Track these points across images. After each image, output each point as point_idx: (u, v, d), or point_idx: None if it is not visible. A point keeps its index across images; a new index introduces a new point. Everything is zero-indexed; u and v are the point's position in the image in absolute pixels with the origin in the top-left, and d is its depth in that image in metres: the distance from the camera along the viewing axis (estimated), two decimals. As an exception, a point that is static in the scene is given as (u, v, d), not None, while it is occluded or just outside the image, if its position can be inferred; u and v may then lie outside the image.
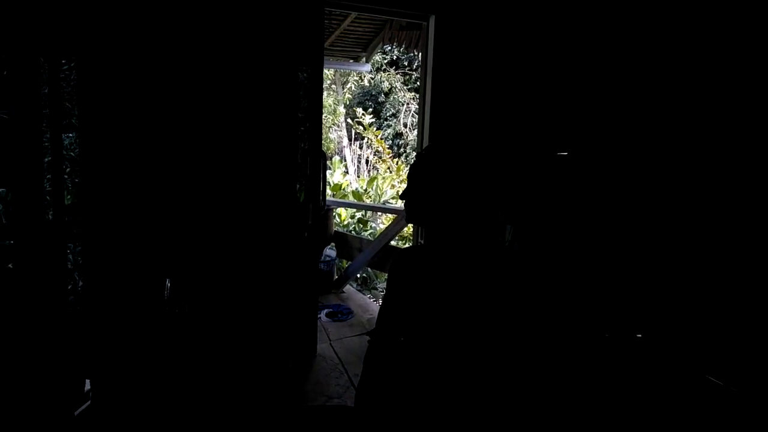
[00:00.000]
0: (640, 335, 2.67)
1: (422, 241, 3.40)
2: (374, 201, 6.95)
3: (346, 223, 6.16)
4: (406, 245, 5.88)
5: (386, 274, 5.36)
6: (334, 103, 10.78)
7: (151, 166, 2.36)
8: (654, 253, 2.72)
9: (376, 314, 3.99)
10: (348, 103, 11.28)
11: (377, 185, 7.08)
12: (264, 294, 2.75)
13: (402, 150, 11.32)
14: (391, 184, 7.34)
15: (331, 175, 7.16)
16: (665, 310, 2.64)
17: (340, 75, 11.11)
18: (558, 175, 3.01)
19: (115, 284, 2.36)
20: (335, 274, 4.80)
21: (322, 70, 2.85)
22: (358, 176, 10.16)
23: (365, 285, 5.47)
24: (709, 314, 2.46)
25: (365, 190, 7.16)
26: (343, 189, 6.88)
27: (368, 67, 6.18)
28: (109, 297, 2.35)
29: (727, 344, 2.36)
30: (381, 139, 8.77)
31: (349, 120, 10.50)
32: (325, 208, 3.39)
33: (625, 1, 2.82)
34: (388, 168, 8.22)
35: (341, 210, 6.15)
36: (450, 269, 1.27)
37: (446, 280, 1.26)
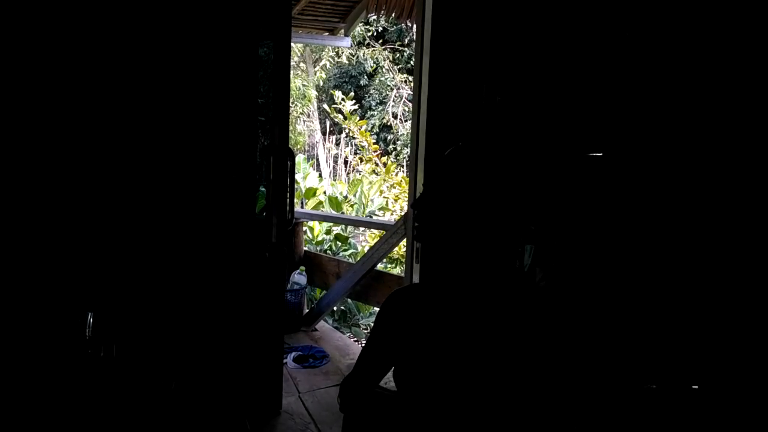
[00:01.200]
0: (696, 386, 2.67)
1: (418, 264, 3.40)
2: (357, 212, 6.93)
3: (320, 239, 6.14)
4: (396, 269, 5.86)
5: (372, 307, 5.39)
6: (303, 86, 10.80)
7: (60, 171, 2.32)
8: (717, 284, 2.73)
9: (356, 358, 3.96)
10: (322, 85, 11.31)
11: (361, 191, 7.05)
12: (214, 332, 2.71)
13: (391, 146, 11.36)
14: (378, 190, 7.33)
15: (304, 178, 7.13)
16: (728, 355, 2.64)
17: (311, 51, 11.13)
18: (591, 183, 3.02)
19: (18, 319, 2.30)
20: (305, 306, 4.77)
21: (290, 45, 2.84)
22: (335, 179, 10.17)
23: (344, 321, 5.44)
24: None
25: (346, 197, 7.15)
26: (317, 196, 6.86)
27: (348, 41, 6.18)
28: (7, 338, 2.29)
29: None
30: (365, 131, 8.77)
31: (326, 106, 10.50)
32: (294, 221, 3.35)
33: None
34: (374, 170, 8.21)
35: (314, 224, 6.12)
36: (457, 310, 1.28)
37: (452, 326, 1.28)
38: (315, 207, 6.77)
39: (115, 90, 2.42)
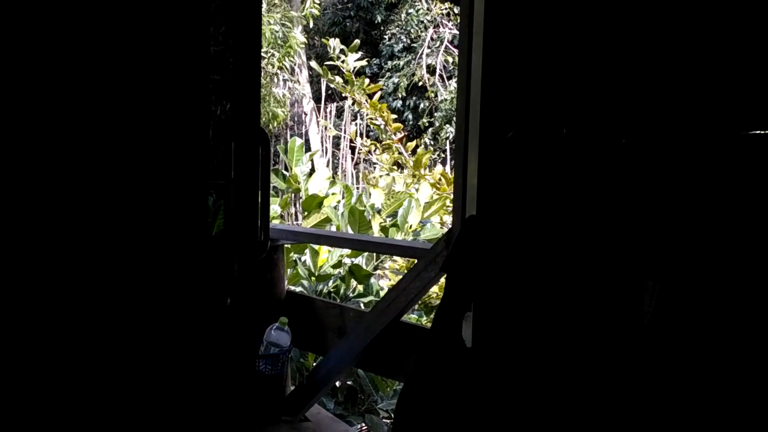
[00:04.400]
0: None
1: (470, 313, 3.40)
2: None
3: (324, 271, 6.12)
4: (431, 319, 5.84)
5: (396, 383, 5.36)
6: (284, 26, 10.87)
7: None
8: None
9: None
10: (313, 25, 11.36)
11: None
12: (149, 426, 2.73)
13: (425, 120, 11.36)
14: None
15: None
16: None
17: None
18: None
19: None
20: (290, 381, 4.78)
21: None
22: (335, 175, 10.21)
23: (352, 405, 5.44)
24: None
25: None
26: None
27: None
28: None
29: None
30: (379, 100, 8.75)
31: (314, 63, 10.55)
32: (269, 244, 3.35)
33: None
34: (396, 162, 8.19)
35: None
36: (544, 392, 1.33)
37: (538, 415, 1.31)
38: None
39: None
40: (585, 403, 1.29)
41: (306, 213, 6.68)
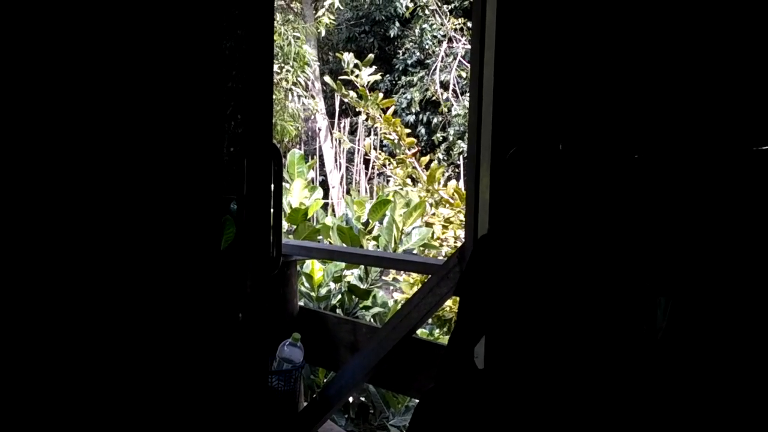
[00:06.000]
0: None
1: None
2: (386, 246, 6.90)
3: (325, 292, 6.14)
4: (447, 336, 5.84)
5: (409, 399, 5.36)
6: (296, 40, 10.91)
7: None
8: None
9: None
10: (326, 41, 11.39)
11: (391, 216, 6.95)
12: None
13: (439, 135, 11.38)
14: (420, 214, 7.22)
15: (287, 192, 7.11)
16: None
17: (310, -14, 11.27)
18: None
19: None
20: (303, 397, 4.77)
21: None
22: (349, 192, 10.23)
23: (364, 421, 5.44)
24: None
25: (366, 225, 7.11)
26: (315, 218, 6.81)
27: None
28: None
29: None
30: (393, 115, 8.76)
31: (327, 78, 10.61)
32: (281, 260, 3.36)
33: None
34: (409, 176, 8.19)
35: (313, 265, 6.12)
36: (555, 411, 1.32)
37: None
38: (308, 237, 6.67)
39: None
40: (599, 421, 1.29)
41: (295, 228, 6.60)
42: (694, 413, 1.29)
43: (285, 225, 6.57)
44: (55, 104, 2.52)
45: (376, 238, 6.98)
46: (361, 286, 6.19)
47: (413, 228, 7.06)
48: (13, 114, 2.46)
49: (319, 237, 6.76)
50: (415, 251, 6.95)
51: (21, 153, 2.49)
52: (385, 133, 8.98)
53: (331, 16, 11.20)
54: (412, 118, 11.46)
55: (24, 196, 2.49)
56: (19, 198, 2.49)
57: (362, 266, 6.32)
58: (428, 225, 7.24)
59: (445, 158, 11.45)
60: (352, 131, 11.00)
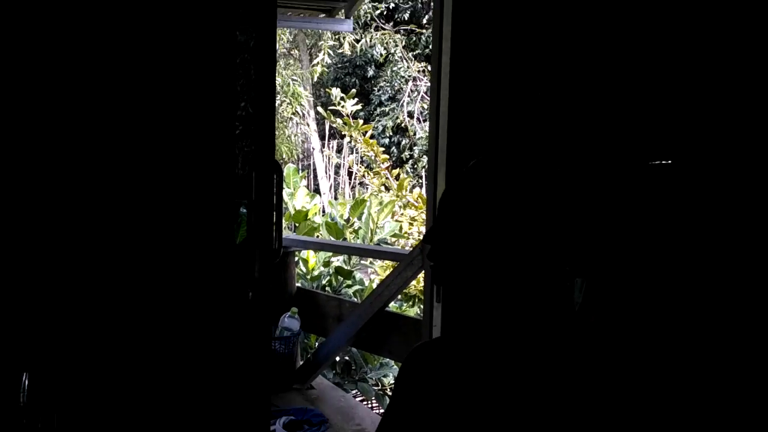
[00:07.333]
0: None
1: (439, 303, 3.41)
2: (363, 239, 6.93)
3: (316, 274, 6.15)
4: (413, 309, 5.85)
5: (382, 358, 5.36)
6: (294, 80, 10.91)
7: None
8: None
9: (366, 425, 3.94)
10: (318, 80, 11.41)
11: (368, 213, 7.04)
12: (178, 394, 2.71)
13: (407, 154, 11.41)
14: (390, 211, 7.31)
15: (291, 196, 7.13)
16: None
17: (306, 37, 11.24)
18: (657, 197, 3.04)
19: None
20: (299, 357, 4.77)
21: (275, 30, 2.86)
22: (336, 198, 10.21)
23: (347, 375, 5.43)
24: None
25: (348, 221, 7.17)
26: (310, 219, 6.86)
27: (350, 24, 6.15)
28: None
29: None
30: (371, 137, 8.78)
31: (320, 108, 10.60)
32: (282, 251, 3.36)
33: None
34: (383, 183, 8.22)
35: (308, 253, 6.14)
36: (492, 370, 1.27)
37: (487, 389, 1.26)
38: (308, 233, 6.73)
39: (90, 109, 2.46)
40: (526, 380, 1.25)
41: (297, 225, 6.68)
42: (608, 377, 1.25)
43: (285, 223, 6.58)
44: (119, 130, 2.51)
45: (356, 231, 7.03)
46: (345, 268, 6.21)
47: (386, 222, 7.12)
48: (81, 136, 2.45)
49: (317, 233, 6.79)
50: (387, 240, 6.99)
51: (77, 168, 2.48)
52: (364, 152, 9.02)
53: (323, 66, 11.20)
54: (386, 140, 11.45)
55: (92, 198, 2.48)
56: (90, 198, 2.48)
57: (346, 254, 6.35)
58: (398, 221, 7.28)
59: (412, 171, 11.45)
60: (339, 150, 10.98)
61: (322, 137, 11.20)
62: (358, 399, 4.74)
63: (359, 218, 7.12)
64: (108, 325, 2.57)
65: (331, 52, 11.33)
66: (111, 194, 2.54)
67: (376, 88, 11.66)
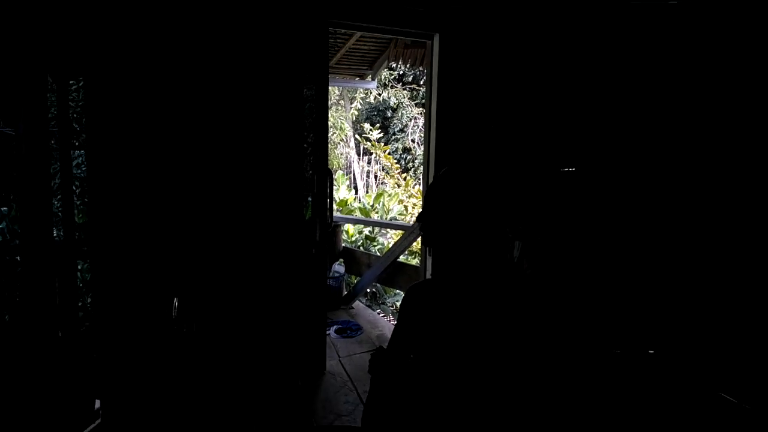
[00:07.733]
0: (652, 351, 2.63)
1: (430, 257, 3.40)
2: (381, 217, 6.93)
3: (354, 239, 6.15)
4: (414, 260, 5.86)
5: (395, 290, 5.37)
6: (341, 119, 10.85)
7: (158, 184, 2.37)
8: (665, 267, 2.69)
9: (385, 330, 3.97)
10: (355, 119, 11.35)
11: (384, 202, 7.05)
12: (273, 311, 2.74)
13: (410, 165, 11.35)
14: (398, 200, 7.31)
15: (337, 190, 7.14)
16: (678, 325, 2.60)
17: (347, 92, 11.19)
18: (565, 191, 3.00)
19: (124, 303, 2.36)
20: (344, 289, 4.79)
21: (327, 88, 2.87)
22: (367, 191, 10.16)
23: (374, 300, 5.46)
24: (722, 328, 2.41)
25: (372, 206, 7.16)
26: (349, 205, 6.87)
27: (374, 84, 6.19)
28: (117, 316, 2.36)
29: (740, 360, 2.32)
30: (388, 154, 8.78)
31: (356, 136, 10.55)
32: (333, 224, 3.38)
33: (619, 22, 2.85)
34: (396, 183, 8.22)
35: (349, 226, 6.14)
36: (461, 299, 1.27)
37: (458, 311, 1.27)
38: (348, 213, 6.78)
39: (219, 134, 2.50)
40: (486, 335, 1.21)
41: (340, 209, 6.70)
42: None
43: (335, 207, 6.60)
44: (246, 153, 2.52)
45: (377, 212, 7.03)
46: (371, 235, 6.20)
47: (395, 206, 7.10)
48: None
49: (354, 213, 6.79)
50: (396, 217, 6.98)
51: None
52: (384, 163, 8.98)
53: (357, 110, 11.17)
54: (398, 156, 11.39)
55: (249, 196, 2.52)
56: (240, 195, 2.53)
57: (372, 226, 6.34)
58: (405, 206, 7.26)
59: (414, 175, 11.40)
60: (368, 162, 10.94)
61: (358, 154, 11.15)
62: (380, 315, 4.76)
63: (379, 204, 7.11)
64: (227, 271, 2.61)
65: (362, 101, 11.31)
66: (240, 189, 2.58)
67: (392, 124, 11.58)
